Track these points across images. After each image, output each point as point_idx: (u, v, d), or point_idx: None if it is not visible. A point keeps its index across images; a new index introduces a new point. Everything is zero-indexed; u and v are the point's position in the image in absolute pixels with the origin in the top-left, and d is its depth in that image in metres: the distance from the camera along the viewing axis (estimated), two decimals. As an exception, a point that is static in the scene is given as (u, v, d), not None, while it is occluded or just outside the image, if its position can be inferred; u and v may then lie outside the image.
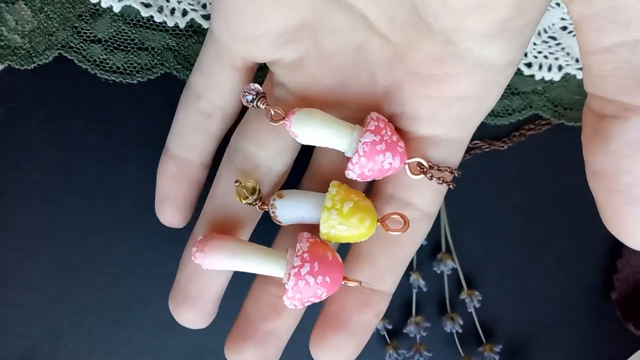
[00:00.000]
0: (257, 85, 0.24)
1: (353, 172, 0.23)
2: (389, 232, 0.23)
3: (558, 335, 0.34)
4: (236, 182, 0.24)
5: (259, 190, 0.24)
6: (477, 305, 0.33)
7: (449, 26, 0.21)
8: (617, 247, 0.34)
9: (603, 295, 0.34)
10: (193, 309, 0.24)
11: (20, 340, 0.32)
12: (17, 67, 0.30)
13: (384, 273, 0.24)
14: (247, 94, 0.24)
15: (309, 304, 0.23)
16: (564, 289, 0.34)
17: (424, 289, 0.33)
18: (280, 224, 0.24)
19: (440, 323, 0.33)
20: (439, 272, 0.33)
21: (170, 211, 0.26)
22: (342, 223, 0.23)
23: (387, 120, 0.23)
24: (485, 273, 0.34)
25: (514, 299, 0.34)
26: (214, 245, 0.23)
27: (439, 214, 0.33)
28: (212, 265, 0.23)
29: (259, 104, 0.23)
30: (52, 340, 0.32)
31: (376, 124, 0.23)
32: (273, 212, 0.23)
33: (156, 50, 0.31)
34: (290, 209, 0.23)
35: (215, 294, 0.25)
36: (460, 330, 0.33)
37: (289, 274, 0.22)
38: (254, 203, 0.24)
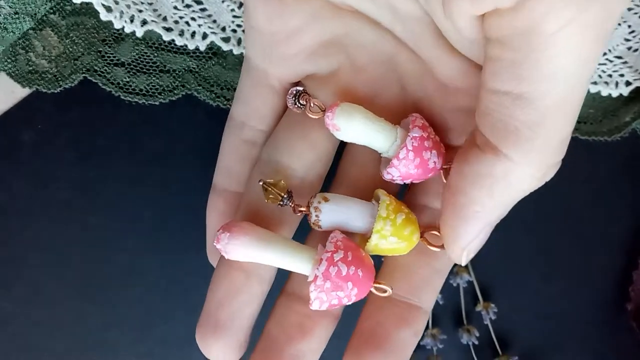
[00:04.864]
0: (297, 87, 0.23)
1: (397, 170, 0.22)
2: (429, 247, 0.22)
3: (574, 346, 0.34)
4: (260, 181, 0.22)
5: (289, 191, 0.22)
6: (493, 318, 0.33)
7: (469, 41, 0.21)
8: (632, 259, 0.34)
9: (618, 307, 0.34)
10: (224, 339, 0.22)
11: (45, 356, 0.32)
12: (44, 91, 0.31)
13: (421, 286, 0.23)
14: (290, 96, 0.23)
15: (335, 304, 0.21)
16: (579, 301, 0.34)
17: (441, 302, 0.34)
18: (319, 229, 0.22)
19: (457, 335, 0.34)
20: (455, 285, 0.34)
21: None
22: (394, 234, 0.21)
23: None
24: (501, 286, 0.34)
25: (529, 311, 0.34)
26: (242, 227, 0.21)
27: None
28: (236, 251, 0.21)
29: (300, 100, 0.23)
30: (76, 356, 0.32)
31: (422, 121, 0.22)
32: (317, 216, 0.22)
33: (177, 72, 0.32)
34: (335, 214, 0.22)
35: (247, 322, 0.22)
36: (476, 342, 0.33)
37: (321, 259, 0.20)
38: (283, 200, 0.22)
